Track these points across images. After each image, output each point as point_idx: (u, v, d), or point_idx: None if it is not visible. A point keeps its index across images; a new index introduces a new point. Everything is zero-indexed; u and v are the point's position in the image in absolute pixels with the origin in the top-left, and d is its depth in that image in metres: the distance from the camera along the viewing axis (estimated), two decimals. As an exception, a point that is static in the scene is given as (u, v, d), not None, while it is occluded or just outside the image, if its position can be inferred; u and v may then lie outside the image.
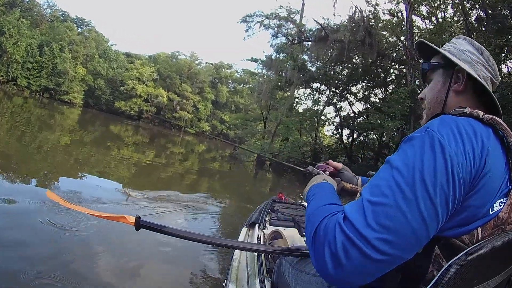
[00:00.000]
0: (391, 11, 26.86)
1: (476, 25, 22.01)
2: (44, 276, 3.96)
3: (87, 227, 5.70)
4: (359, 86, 32.90)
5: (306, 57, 32.30)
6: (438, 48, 1.65)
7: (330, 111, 34.13)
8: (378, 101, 31.43)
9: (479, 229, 1.20)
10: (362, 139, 32.49)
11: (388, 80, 31.62)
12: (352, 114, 33.56)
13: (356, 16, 26.35)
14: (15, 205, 6.10)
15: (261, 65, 37.32)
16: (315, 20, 30.50)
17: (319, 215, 1.28)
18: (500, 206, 1.23)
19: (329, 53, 30.18)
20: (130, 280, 4.56)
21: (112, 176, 11.83)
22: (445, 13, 26.31)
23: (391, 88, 31.07)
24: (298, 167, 2.82)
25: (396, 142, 25.78)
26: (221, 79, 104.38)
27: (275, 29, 32.70)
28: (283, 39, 32.88)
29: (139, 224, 1.93)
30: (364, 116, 30.36)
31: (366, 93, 33.03)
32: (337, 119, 33.91)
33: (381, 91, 32.42)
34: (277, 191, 8.77)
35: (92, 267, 4.55)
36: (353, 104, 33.41)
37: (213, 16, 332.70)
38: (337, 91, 32.64)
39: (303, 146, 32.68)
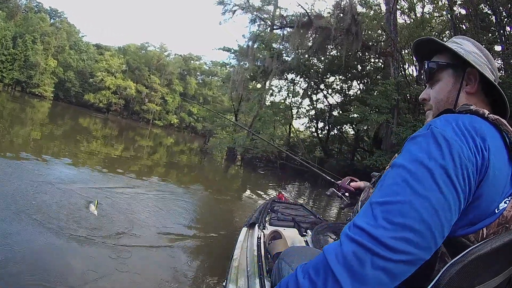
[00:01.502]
0: (368, 4, 25.64)
1: (459, 22, 21.39)
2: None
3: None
4: (335, 78, 32.13)
5: (285, 45, 30.25)
6: (453, 48, 1.54)
7: (304, 103, 33.57)
8: (355, 93, 30.95)
9: (485, 228, 1.19)
10: (337, 132, 31.81)
11: (364, 72, 30.58)
12: (327, 107, 32.75)
13: (343, 2, 24.59)
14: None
15: (233, 55, 35.67)
16: (298, 4, 28.45)
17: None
18: (505, 204, 1.22)
19: (310, 42, 27.88)
20: (128, 280, 4.52)
21: (80, 171, 11.12)
22: (423, 8, 25.88)
23: (365, 80, 30.55)
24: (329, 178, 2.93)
25: (379, 137, 24.52)
26: (190, 71, 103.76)
27: (254, 13, 30.69)
28: (262, 24, 31.40)
29: None
30: (339, 109, 30.49)
31: (342, 85, 32.22)
32: (312, 112, 33.05)
33: (358, 83, 31.56)
34: (247, 186, 8.99)
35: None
36: (328, 96, 32.69)
37: (183, 6, 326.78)
38: (312, 82, 31.27)
39: (277, 139, 31.55)
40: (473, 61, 1.47)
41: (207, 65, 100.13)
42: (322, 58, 30.31)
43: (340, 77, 31.28)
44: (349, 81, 31.48)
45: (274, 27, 29.38)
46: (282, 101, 33.40)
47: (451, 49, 1.52)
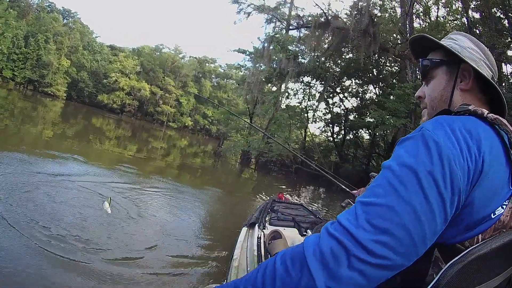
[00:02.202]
0: (384, 7, 25.83)
1: (473, 26, 21.42)
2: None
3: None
4: (351, 81, 31.72)
5: (301, 48, 30.05)
6: (444, 44, 1.52)
7: (320, 107, 33.33)
8: (371, 97, 30.67)
9: (480, 234, 1.17)
10: (352, 137, 31.43)
11: (380, 76, 30.16)
12: (344, 111, 32.36)
13: (360, 3, 24.42)
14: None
15: (248, 57, 35.62)
16: (315, 4, 28.22)
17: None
18: (502, 209, 1.20)
19: (326, 44, 27.62)
20: (126, 280, 4.46)
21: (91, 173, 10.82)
22: (438, 12, 25.74)
23: (381, 84, 29.99)
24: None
25: (396, 142, 24.13)
26: (205, 73, 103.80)
27: (270, 13, 30.31)
28: (278, 26, 31.27)
29: None
30: (355, 114, 30.15)
31: (358, 89, 31.89)
32: (328, 116, 32.56)
33: (374, 87, 31.11)
34: (260, 190, 9.54)
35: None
36: (344, 100, 32.31)
37: (198, 10, 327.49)
38: (328, 86, 30.74)
39: (292, 143, 30.70)
40: (467, 57, 1.46)
41: (222, 67, 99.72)
42: (339, 61, 30.13)
43: (357, 80, 31.04)
44: (365, 85, 31.20)
45: (290, 28, 29.22)
46: (298, 104, 33.09)
47: (444, 46, 1.50)
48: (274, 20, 30.60)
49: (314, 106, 31.97)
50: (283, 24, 30.17)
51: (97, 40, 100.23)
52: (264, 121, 32.40)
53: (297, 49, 29.60)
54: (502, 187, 1.17)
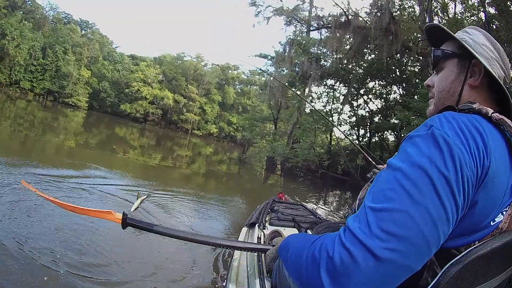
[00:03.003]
0: (402, 5, 25.49)
1: (490, 20, 20.56)
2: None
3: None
4: (375, 82, 31.39)
5: (323, 50, 29.68)
6: (457, 37, 1.53)
7: (345, 110, 33.13)
8: (396, 98, 30.19)
9: (477, 241, 1.17)
10: (378, 140, 31.10)
11: (404, 76, 29.51)
12: (368, 113, 32.06)
13: (380, 0, 24.28)
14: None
15: (270, 62, 35.48)
16: (335, 4, 28.07)
17: (307, 242, 1.20)
18: (502, 216, 1.20)
19: (348, 44, 27.50)
20: (125, 280, 4.34)
21: (117, 178, 11.39)
22: (455, 9, 25.00)
23: (404, 85, 29.54)
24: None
25: None
26: (228, 80, 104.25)
27: (289, 14, 30.20)
28: (298, 26, 30.80)
29: (126, 222, 1.90)
30: (380, 115, 29.75)
31: (382, 90, 31.42)
32: (353, 119, 32.26)
33: (397, 87, 30.70)
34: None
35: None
36: (369, 102, 32.03)
37: (219, 18, 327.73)
38: (352, 88, 30.35)
39: (318, 147, 30.49)
40: (480, 53, 1.44)
41: (245, 74, 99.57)
42: (361, 63, 29.89)
43: (380, 82, 30.78)
44: (389, 86, 30.88)
45: (311, 29, 29.06)
46: (322, 107, 32.93)
47: (457, 38, 1.50)
48: (294, 22, 30.48)
49: (339, 109, 31.67)
50: (303, 25, 30.00)
51: (117, 50, 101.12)
52: (289, 126, 32.12)
53: (318, 51, 29.40)
54: (504, 193, 1.16)
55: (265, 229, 4.36)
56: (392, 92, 30.87)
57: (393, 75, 29.30)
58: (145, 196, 5.73)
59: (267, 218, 4.76)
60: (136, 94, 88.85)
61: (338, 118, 31.56)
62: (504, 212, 1.19)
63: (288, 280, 2.10)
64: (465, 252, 1.12)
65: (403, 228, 0.96)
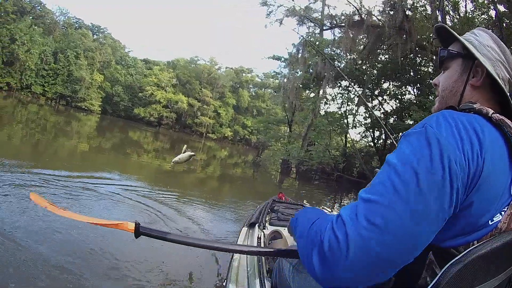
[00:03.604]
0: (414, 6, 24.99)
1: (500, 18, 20.48)
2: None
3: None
4: (389, 83, 31.19)
5: (336, 51, 29.53)
6: (460, 37, 1.56)
7: (360, 111, 33.00)
8: (411, 98, 29.77)
9: (476, 241, 1.19)
10: (392, 141, 29.93)
11: (418, 76, 28.97)
12: (383, 114, 31.58)
13: None
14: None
15: (284, 63, 35.57)
16: (348, 1, 27.88)
17: (310, 223, 1.30)
18: (500, 216, 1.21)
19: (362, 44, 27.37)
20: (123, 280, 4.40)
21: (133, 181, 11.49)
22: (466, 7, 24.73)
23: (418, 85, 29.03)
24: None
25: None
26: (242, 83, 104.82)
27: (301, 13, 29.99)
28: (311, 26, 30.43)
29: (139, 231, 1.89)
30: (395, 116, 29.56)
31: (396, 91, 31.03)
32: (368, 120, 31.77)
33: (412, 88, 30.26)
34: (301, 199, 8.97)
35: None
36: (383, 103, 31.72)
37: (217, 18, 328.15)
38: (366, 89, 30.16)
39: (332, 150, 30.09)
40: (484, 55, 1.46)
41: (259, 77, 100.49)
42: (375, 63, 29.60)
43: (394, 82, 30.56)
44: (403, 86, 30.48)
45: (324, 28, 28.90)
46: (337, 109, 32.29)
47: (459, 38, 1.53)
48: (306, 22, 30.36)
49: (354, 111, 31.28)
50: (316, 25, 29.88)
51: (130, 55, 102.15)
52: (304, 129, 31.97)
53: (332, 52, 29.31)
54: (503, 193, 1.18)
55: (265, 229, 4.43)
56: (407, 93, 30.54)
57: (408, 75, 29.09)
58: (193, 154, 5.13)
59: (267, 218, 4.86)
60: (150, 98, 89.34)
61: (353, 120, 31.27)
62: (503, 212, 1.20)
63: (288, 280, 2.20)
64: (465, 252, 1.13)
65: (386, 221, 1.01)
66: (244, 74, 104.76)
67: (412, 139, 1.14)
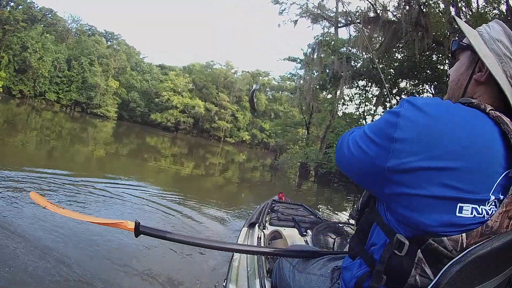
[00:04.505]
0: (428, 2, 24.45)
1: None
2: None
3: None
4: (406, 82, 31.05)
5: (352, 51, 29.08)
6: (466, 31, 1.54)
7: (379, 111, 32.94)
8: (429, 96, 28.68)
9: (464, 235, 1.21)
10: None
11: (435, 74, 28.51)
12: None
13: None
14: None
15: (299, 65, 35.34)
16: (362, -4, 27.60)
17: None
18: (473, 212, 1.22)
19: (378, 41, 26.97)
20: (123, 281, 4.47)
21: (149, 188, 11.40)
22: (478, 3, 24.28)
23: (436, 84, 29.12)
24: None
25: None
26: (259, 87, 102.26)
27: (315, 10, 29.50)
28: (326, 25, 29.95)
29: (139, 230, 1.93)
30: None
31: (414, 89, 31.00)
32: None
33: (429, 87, 30.26)
34: (319, 203, 9.65)
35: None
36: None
37: (219, 19, 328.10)
38: (383, 89, 29.68)
39: None
40: (493, 50, 1.43)
41: (276, 80, 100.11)
42: (392, 63, 29.22)
43: (411, 81, 30.39)
44: (421, 85, 30.45)
45: (339, 25, 28.50)
46: (355, 110, 32.48)
47: (464, 32, 1.52)
48: (320, 19, 29.96)
49: (372, 111, 31.30)
50: (331, 22, 29.47)
51: (145, 61, 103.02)
52: (322, 131, 31.69)
53: (348, 51, 29.10)
54: (479, 187, 1.19)
55: (265, 229, 4.45)
56: (425, 91, 30.46)
57: (425, 73, 28.78)
58: (258, 86, 4.97)
59: (267, 218, 4.88)
60: (166, 103, 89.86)
61: (372, 120, 30.72)
62: (483, 207, 1.21)
63: (288, 280, 2.22)
64: (465, 252, 1.15)
65: (359, 147, 1.38)
66: (260, 78, 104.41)
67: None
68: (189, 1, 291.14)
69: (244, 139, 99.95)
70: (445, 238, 1.19)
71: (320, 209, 14.05)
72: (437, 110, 1.23)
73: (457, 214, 1.18)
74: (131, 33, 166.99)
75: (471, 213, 1.20)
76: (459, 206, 1.18)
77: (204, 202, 10.66)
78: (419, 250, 1.20)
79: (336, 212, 14.24)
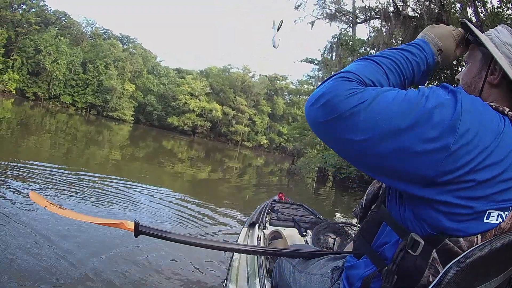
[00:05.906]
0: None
1: None
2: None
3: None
4: (427, 83, 29.56)
5: (370, 52, 28.67)
6: (479, 34, 1.52)
7: None
8: None
9: (479, 236, 1.21)
10: None
11: (454, 76, 28.01)
12: None
13: None
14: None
15: (317, 66, 35.46)
16: (381, -8, 27.17)
17: None
18: (499, 218, 1.22)
19: (398, 40, 26.66)
20: (123, 281, 4.40)
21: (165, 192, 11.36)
22: (492, 2, 23.97)
23: (455, 85, 27.91)
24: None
25: None
26: (277, 91, 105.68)
27: (332, 6, 29.23)
28: (344, 21, 29.62)
29: (139, 230, 1.90)
30: None
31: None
32: None
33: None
34: (337, 209, 9.64)
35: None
36: None
37: (220, 20, 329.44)
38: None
39: None
40: (504, 52, 1.41)
41: (294, 84, 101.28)
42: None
43: (431, 83, 29.28)
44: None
45: (358, 21, 28.13)
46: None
47: (477, 35, 1.48)
48: (339, 15, 29.60)
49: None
50: (349, 18, 29.09)
51: (162, 64, 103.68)
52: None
53: (366, 52, 28.66)
54: (501, 192, 1.16)
55: (265, 229, 4.46)
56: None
57: (444, 74, 28.46)
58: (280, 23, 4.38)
59: (267, 218, 4.87)
60: (184, 107, 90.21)
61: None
62: (506, 213, 1.22)
63: (288, 280, 2.20)
64: (467, 251, 1.16)
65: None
66: (278, 81, 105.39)
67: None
68: (191, 3, 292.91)
69: (261, 143, 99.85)
70: (461, 238, 1.19)
71: (336, 216, 14.08)
72: (488, 112, 1.17)
73: (485, 220, 1.17)
74: (146, 36, 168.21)
75: (497, 219, 1.20)
76: (488, 212, 1.17)
77: (219, 205, 10.65)
78: (434, 250, 1.19)
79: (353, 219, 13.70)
